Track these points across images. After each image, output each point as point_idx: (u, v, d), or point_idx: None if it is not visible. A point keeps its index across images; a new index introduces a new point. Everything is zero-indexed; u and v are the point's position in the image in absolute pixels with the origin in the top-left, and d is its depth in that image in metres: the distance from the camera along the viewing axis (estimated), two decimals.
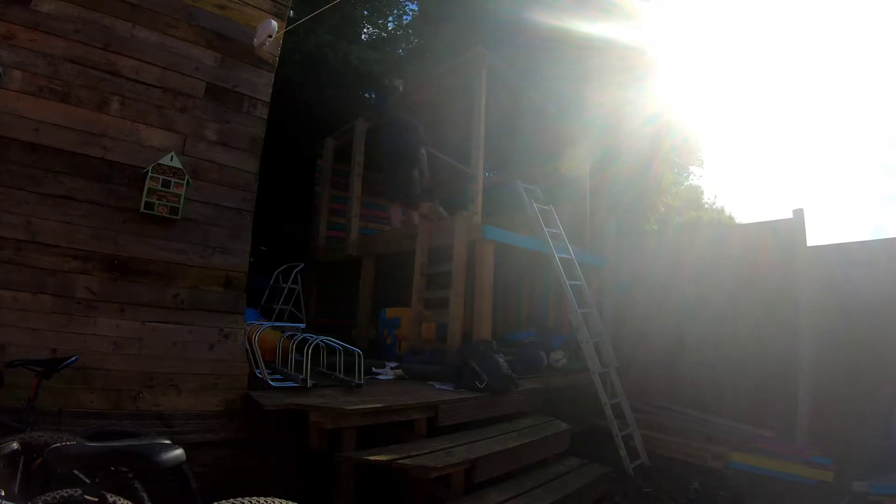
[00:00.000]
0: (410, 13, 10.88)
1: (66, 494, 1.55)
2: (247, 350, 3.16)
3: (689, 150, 12.41)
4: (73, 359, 2.29)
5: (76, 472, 1.94)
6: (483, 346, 4.02)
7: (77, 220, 2.66)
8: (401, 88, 5.65)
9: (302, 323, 5.00)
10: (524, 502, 2.90)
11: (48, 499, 1.54)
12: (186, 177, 2.88)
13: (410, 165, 5.23)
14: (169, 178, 2.83)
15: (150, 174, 2.77)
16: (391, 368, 4.21)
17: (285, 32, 3.43)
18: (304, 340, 3.42)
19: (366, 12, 9.11)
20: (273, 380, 3.16)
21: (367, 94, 9.04)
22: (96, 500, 1.38)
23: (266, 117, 3.31)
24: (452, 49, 10.05)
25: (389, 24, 9.87)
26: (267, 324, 3.53)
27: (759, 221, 5.53)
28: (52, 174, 2.61)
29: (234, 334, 3.03)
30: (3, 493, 1.57)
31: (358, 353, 3.43)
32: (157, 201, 2.79)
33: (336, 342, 3.54)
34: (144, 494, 1.96)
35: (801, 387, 4.79)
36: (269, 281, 5.86)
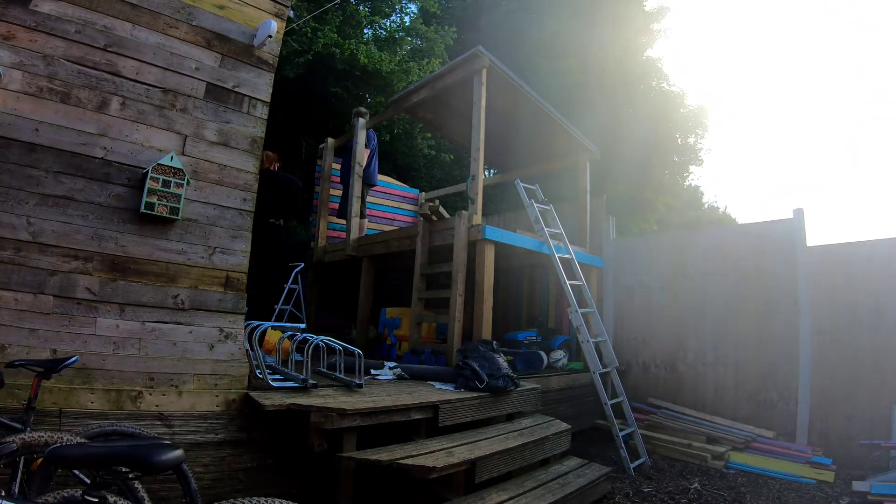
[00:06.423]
0: (411, 14, 10.91)
1: (66, 494, 1.55)
2: (247, 350, 3.16)
3: (690, 149, 12.42)
4: (74, 359, 2.29)
5: (76, 472, 1.95)
6: (483, 345, 4.02)
7: (77, 220, 2.66)
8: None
9: (302, 323, 5.00)
10: (525, 502, 2.89)
11: (48, 499, 1.54)
12: (186, 177, 2.88)
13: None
14: (169, 179, 2.82)
15: (150, 174, 2.77)
16: (391, 368, 4.21)
17: (292, 33, 3.44)
18: (304, 340, 3.42)
19: (368, 12, 9.13)
20: (273, 380, 3.16)
21: (368, 94, 9.06)
22: (96, 500, 1.38)
23: (266, 117, 3.31)
24: (452, 49, 10.08)
25: (391, 24, 9.90)
26: (267, 324, 3.53)
27: (760, 221, 5.53)
28: (52, 174, 2.61)
29: (234, 334, 3.03)
30: (2, 493, 1.57)
31: (358, 353, 3.43)
32: (158, 201, 2.79)
33: (336, 342, 3.54)
34: (144, 495, 1.96)
35: (801, 387, 4.80)
36: None
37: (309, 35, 7.28)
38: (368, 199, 7.17)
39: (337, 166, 6.94)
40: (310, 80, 7.70)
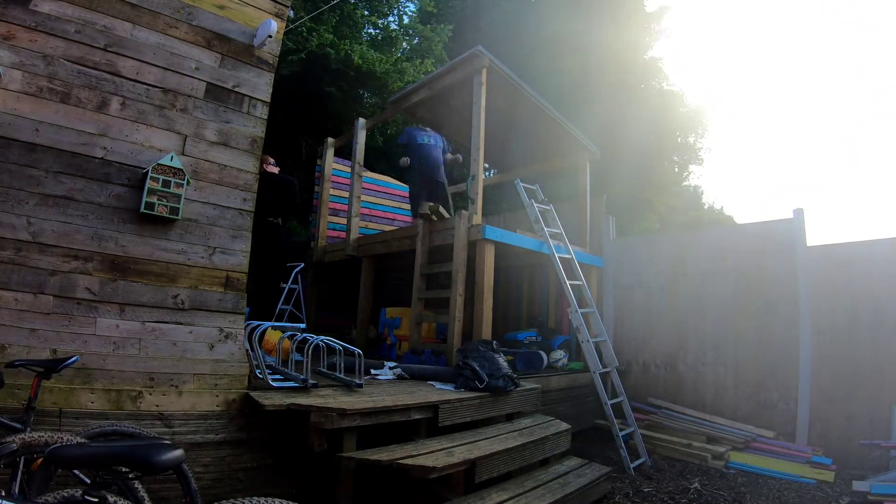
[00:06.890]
0: (410, 14, 10.92)
1: (66, 494, 1.55)
2: (247, 350, 3.16)
3: (689, 148, 12.43)
4: (74, 359, 2.29)
5: (76, 472, 1.95)
6: (483, 345, 4.02)
7: (77, 220, 2.66)
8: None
9: (302, 323, 5.00)
10: (525, 502, 2.89)
11: (48, 499, 1.54)
12: (186, 177, 2.88)
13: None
14: (169, 178, 2.82)
15: (150, 174, 2.77)
16: (391, 368, 4.21)
17: (287, 31, 3.44)
18: (304, 340, 3.42)
19: (366, 12, 9.13)
20: (273, 380, 3.16)
21: (366, 94, 9.06)
22: (96, 500, 1.38)
23: (266, 117, 3.31)
24: (451, 48, 10.08)
25: (391, 25, 9.90)
26: (267, 324, 3.53)
27: (760, 221, 5.53)
28: (52, 174, 2.61)
29: (234, 334, 3.03)
30: (2, 493, 1.57)
31: (358, 352, 3.43)
32: (158, 201, 2.79)
33: (336, 342, 3.54)
34: (144, 495, 1.96)
35: (801, 387, 4.80)
36: None
37: (304, 34, 7.28)
38: (367, 199, 7.21)
39: (347, 169, 6.94)
40: (306, 79, 7.69)
